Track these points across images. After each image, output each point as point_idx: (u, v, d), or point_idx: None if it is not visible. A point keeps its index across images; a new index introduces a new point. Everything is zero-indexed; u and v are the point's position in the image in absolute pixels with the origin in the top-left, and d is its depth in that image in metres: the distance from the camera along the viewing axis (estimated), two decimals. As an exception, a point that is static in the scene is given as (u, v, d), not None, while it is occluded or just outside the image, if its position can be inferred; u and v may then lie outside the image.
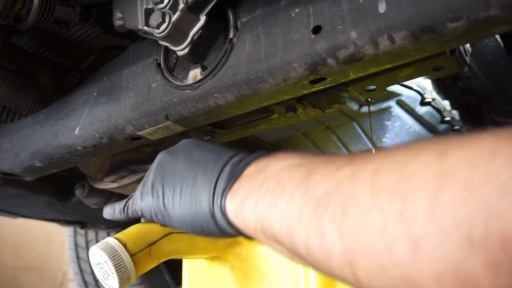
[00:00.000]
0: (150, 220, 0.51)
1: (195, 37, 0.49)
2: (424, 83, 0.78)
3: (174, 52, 0.51)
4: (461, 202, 0.23)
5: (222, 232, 0.45)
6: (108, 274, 0.48)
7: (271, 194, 0.39)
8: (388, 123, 0.76)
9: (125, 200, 0.53)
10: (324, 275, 0.35)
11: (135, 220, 0.53)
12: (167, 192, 0.47)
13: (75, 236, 1.38)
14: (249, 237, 0.44)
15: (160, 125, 0.54)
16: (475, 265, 0.22)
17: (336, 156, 0.37)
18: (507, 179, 0.21)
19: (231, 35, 0.48)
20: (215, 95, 0.49)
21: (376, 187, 0.28)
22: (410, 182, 0.26)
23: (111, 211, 0.55)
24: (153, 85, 0.54)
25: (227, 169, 0.45)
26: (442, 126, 0.85)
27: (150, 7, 0.49)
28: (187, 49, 0.49)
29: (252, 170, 0.43)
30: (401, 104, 0.76)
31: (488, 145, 0.24)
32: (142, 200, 0.49)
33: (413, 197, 0.26)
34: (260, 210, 0.39)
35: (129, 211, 0.52)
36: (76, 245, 1.38)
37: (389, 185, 0.28)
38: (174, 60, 0.55)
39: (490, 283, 0.22)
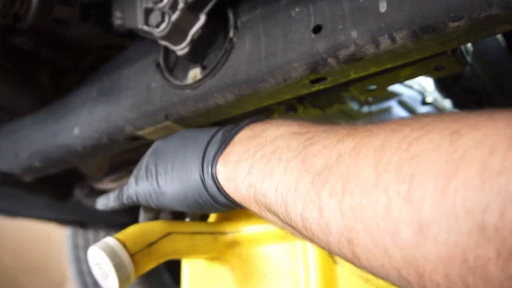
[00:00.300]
0: (145, 205, 0.50)
1: (195, 36, 0.49)
2: (425, 83, 0.78)
3: (174, 51, 0.51)
4: (475, 188, 0.22)
5: (215, 201, 0.43)
6: (107, 274, 0.48)
7: (266, 160, 0.37)
8: (388, 123, 0.76)
9: (119, 188, 0.52)
10: (320, 248, 0.33)
11: (135, 220, 0.53)
12: (160, 171, 0.46)
13: (74, 236, 1.38)
14: (240, 206, 0.42)
15: (159, 125, 0.54)
16: (486, 253, 0.22)
17: (336, 125, 0.35)
18: None
19: (231, 35, 0.48)
20: (215, 94, 0.49)
21: (381, 164, 0.27)
22: (418, 162, 0.25)
23: (104, 201, 0.54)
24: (152, 85, 0.54)
25: (219, 135, 0.43)
26: (443, 126, 0.84)
27: (149, 6, 0.49)
28: (186, 49, 0.49)
29: (245, 134, 0.41)
30: (402, 104, 0.76)
31: (506, 129, 0.22)
32: (136, 184, 0.48)
33: (421, 178, 0.24)
34: (254, 176, 0.37)
35: (124, 197, 0.50)
36: (75, 245, 1.37)
37: (395, 163, 0.26)
38: (174, 60, 0.55)
39: (500, 271, 0.21)
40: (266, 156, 0.37)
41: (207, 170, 0.42)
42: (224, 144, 0.41)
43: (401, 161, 0.26)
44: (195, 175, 0.43)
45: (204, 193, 0.43)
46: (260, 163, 0.37)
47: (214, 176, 0.41)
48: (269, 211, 0.37)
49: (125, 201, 0.51)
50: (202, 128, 0.49)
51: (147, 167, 0.48)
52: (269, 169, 0.36)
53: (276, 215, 0.36)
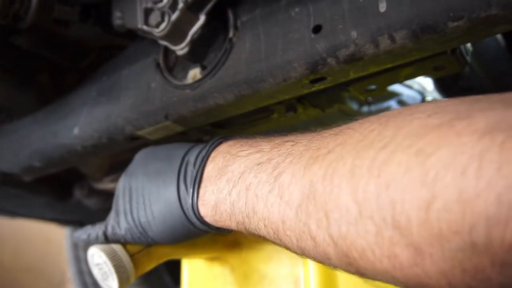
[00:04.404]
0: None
1: (195, 36, 0.49)
2: (425, 83, 0.78)
3: (174, 51, 0.51)
4: (456, 212, 0.22)
5: (206, 232, 0.45)
6: (107, 275, 0.48)
7: (244, 199, 0.37)
8: (388, 123, 0.76)
9: (101, 228, 0.50)
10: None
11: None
12: (141, 214, 0.46)
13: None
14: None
15: (159, 125, 0.54)
16: (481, 263, 0.22)
17: (294, 144, 0.35)
18: (502, 189, 0.21)
19: (230, 35, 0.48)
20: (215, 94, 0.49)
21: (359, 194, 0.27)
22: (395, 189, 0.25)
23: (84, 236, 0.53)
24: (152, 85, 0.54)
25: (184, 172, 0.44)
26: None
27: (149, 6, 0.49)
28: (186, 49, 0.49)
29: (211, 169, 0.42)
30: (402, 104, 0.76)
31: (473, 146, 0.22)
32: (120, 228, 0.48)
33: (402, 205, 0.25)
34: (238, 216, 0.38)
35: (110, 240, 0.50)
36: (75, 245, 1.37)
37: (373, 192, 0.26)
38: (174, 60, 0.55)
39: (498, 274, 0.22)
40: (242, 194, 0.37)
41: (191, 216, 0.43)
42: (196, 186, 0.42)
43: (377, 189, 0.26)
44: (180, 219, 0.44)
45: (194, 231, 0.44)
46: (240, 203, 0.38)
47: (202, 220, 0.42)
48: (267, 240, 0.38)
49: (111, 241, 0.50)
50: (162, 154, 0.48)
51: (125, 212, 0.48)
52: (251, 207, 0.37)
53: (275, 243, 0.37)
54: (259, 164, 0.37)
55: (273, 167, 0.35)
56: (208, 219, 0.42)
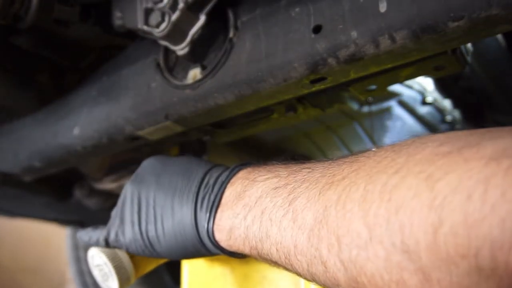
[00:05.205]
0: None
1: (195, 36, 0.49)
2: (425, 83, 0.78)
3: (174, 51, 0.51)
4: (462, 235, 0.23)
5: (216, 254, 0.45)
6: (108, 276, 0.48)
7: (258, 224, 0.38)
8: (389, 123, 0.76)
9: (102, 233, 0.49)
10: None
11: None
12: (149, 228, 0.45)
13: (74, 236, 1.38)
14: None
15: (159, 125, 0.54)
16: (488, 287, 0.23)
17: (311, 170, 0.37)
18: (506, 213, 0.21)
19: (231, 35, 0.48)
20: (215, 94, 0.48)
21: (370, 218, 0.28)
22: (404, 213, 0.26)
23: (86, 238, 0.52)
24: (152, 85, 0.54)
25: (203, 195, 0.44)
26: (443, 127, 0.85)
27: (149, 6, 0.49)
28: (186, 49, 0.49)
29: (229, 194, 0.42)
30: (402, 104, 0.76)
31: (480, 171, 0.23)
32: (124, 237, 0.47)
33: (411, 229, 0.25)
34: (252, 241, 0.39)
35: (111, 246, 0.49)
36: (75, 245, 1.37)
37: (383, 216, 0.27)
38: (174, 60, 0.55)
39: None
40: (257, 218, 0.38)
41: (205, 238, 0.43)
42: (213, 209, 0.42)
43: (388, 213, 0.27)
44: (192, 239, 0.44)
45: (204, 252, 0.44)
46: (254, 227, 0.38)
47: (214, 242, 0.43)
48: (279, 266, 0.38)
49: (111, 247, 0.49)
50: (175, 168, 0.48)
51: (132, 222, 0.47)
52: (264, 232, 0.37)
53: (286, 269, 0.38)
54: (275, 189, 0.38)
55: (289, 192, 0.36)
56: (222, 243, 0.42)
